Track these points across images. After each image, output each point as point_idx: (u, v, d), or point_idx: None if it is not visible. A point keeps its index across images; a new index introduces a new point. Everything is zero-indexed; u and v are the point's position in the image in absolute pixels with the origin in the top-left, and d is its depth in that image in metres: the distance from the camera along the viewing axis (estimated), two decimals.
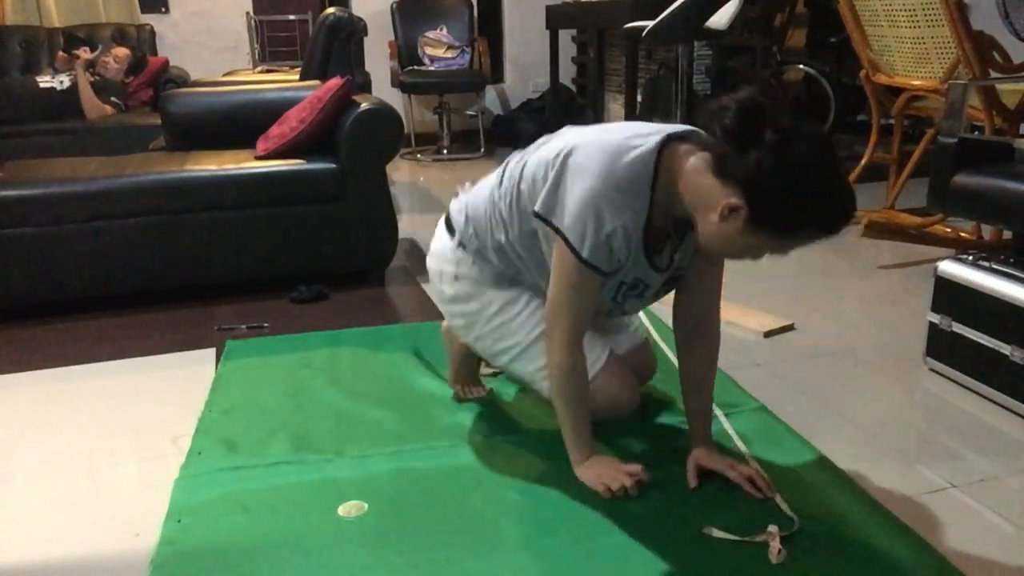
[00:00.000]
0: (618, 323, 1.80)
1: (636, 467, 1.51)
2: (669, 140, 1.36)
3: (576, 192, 1.35)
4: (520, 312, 1.63)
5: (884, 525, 1.39)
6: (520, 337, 1.62)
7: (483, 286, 1.63)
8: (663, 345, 2.15)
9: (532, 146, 1.54)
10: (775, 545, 1.32)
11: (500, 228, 1.56)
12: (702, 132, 1.33)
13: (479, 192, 1.63)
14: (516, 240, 1.55)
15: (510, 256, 1.60)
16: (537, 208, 1.41)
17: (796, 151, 1.22)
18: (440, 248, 1.69)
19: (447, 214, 1.70)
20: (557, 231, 1.38)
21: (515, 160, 1.56)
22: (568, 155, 1.38)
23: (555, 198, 1.38)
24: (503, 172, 1.57)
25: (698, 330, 1.55)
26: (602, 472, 1.51)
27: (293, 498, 1.50)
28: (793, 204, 1.23)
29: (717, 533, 1.37)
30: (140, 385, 2.04)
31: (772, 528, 1.36)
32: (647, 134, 1.39)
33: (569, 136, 1.45)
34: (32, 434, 1.81)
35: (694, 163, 1.31)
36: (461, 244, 1.64)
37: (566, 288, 1.41)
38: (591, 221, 1.33)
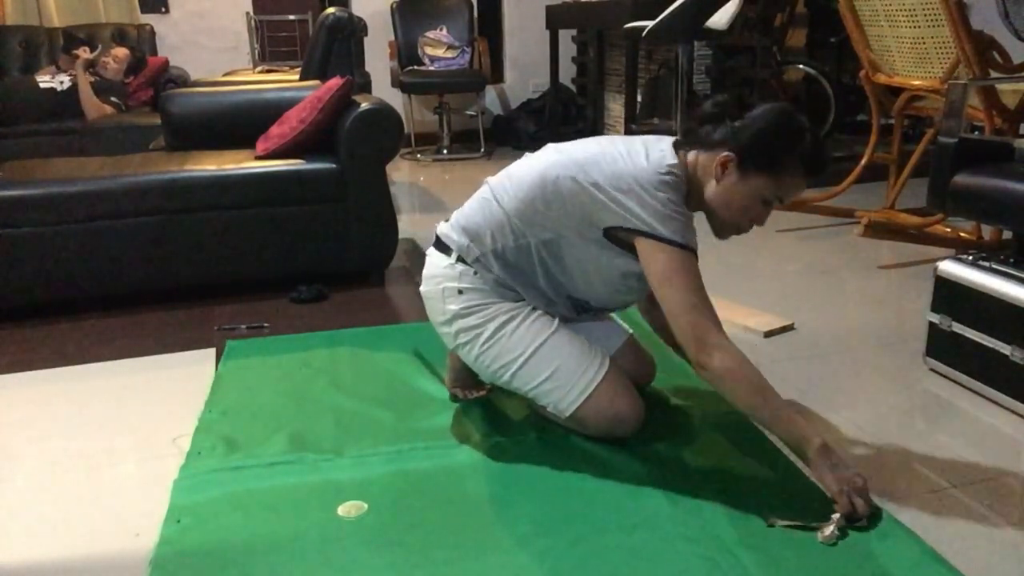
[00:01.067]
0: (602, 321, 1.83)
1: (866, 488, 1.42)
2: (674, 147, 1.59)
3: (656, 205, 1.50)
4: (520, 326, 1.63)
5: (884, 525, 1.38)
6: (521, 349, 1.62)
7: (488, 296, 1.64)
8: None
9: (524, 162, 1.64)
10: (831, 529, 1.34)
11: (508, 236, 1.60)
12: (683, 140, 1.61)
13: (470, 208, 1.68)
14: (535, 250, 1.60)
15: (511, 261, 1.62)
16: (642, 228, 1.50)
17: (759, 107, 1.53)
18: (436, 270, 1.69)
19: (436, 238, 1.71)
20: (660, 238, 1.49)
21: (508, 177, 1.64)
22: (610, 177, 1.53)
23: (640, 215, 1.50)
24: (501, 188, 1.63)
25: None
26: (855, 481, 1.40)
27: (293, 498, 1.50)
28: (769, 137, 1.50)
29: (781, 523, 1.38)
30: (140, 385, 2.04)
31: (837, 515, 1.37)
32: (660, 146, 1.59)
33: (572, 162, 1.57)
34: (32, 434, 1.81)
35: (691, 156, 1.58)
36: (460, 259, 1.65)
37: (687, 287, 1.48)
38: (681, 219, 1.51)
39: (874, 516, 1.40)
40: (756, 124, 1.51)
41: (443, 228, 1.70)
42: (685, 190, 1.55)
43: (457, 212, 1.72)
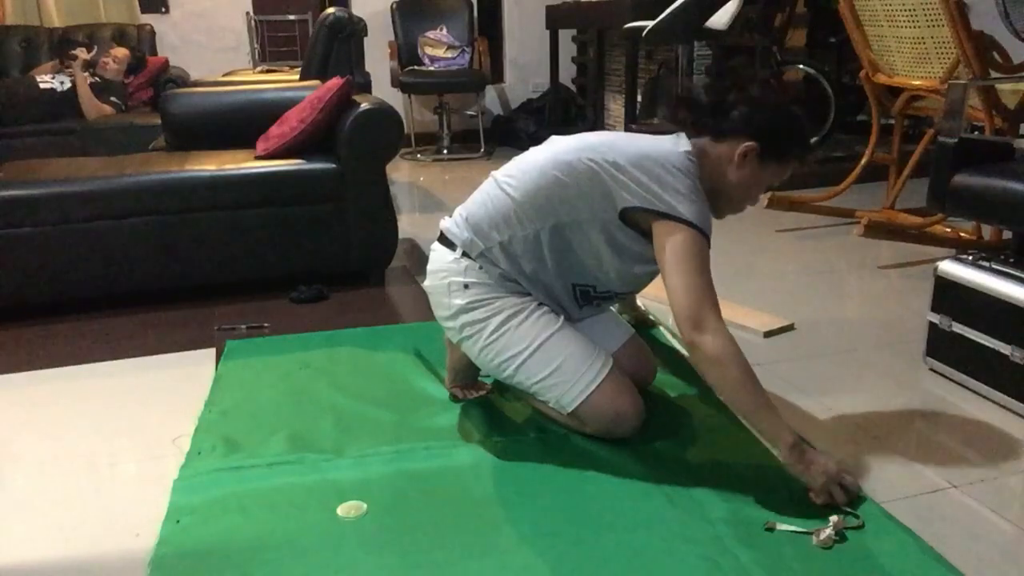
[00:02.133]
0: (604, 320, 1.84)
1: (851, 478, 1.46)
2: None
3: (677, 187, 1.53)
4: (525, 320, 1.63)
5: (884, 525, 1.39)
6: (526, 343, 1.63)
7: (493, 290, 1.65)
8: (670, 335, 2.16)
9: (530, 156, 1.65)
10: (828, 532, 1.34)
11: (515, 226, 1.61)
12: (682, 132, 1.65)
13: (474, 203, 1.69)
14: (545, 238, 1.61)
15: (518, 252, 1.63)
16: (661, 208, 1.52)
17: (763, 94, 1.61)
18: (441, 265, 1.70)
19: (440, 234, 1.72)
20: (679, 219, 1.51)
21: (515, 169, 1.65)
22: (632, 160, 1.56)
23: (661, 195, 1.53)
24: (506, 182, 1.64)
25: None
26: (828, 469, 1.44)
27: (292, 498, 1.50)
28: (788, 132, 1.61)
29: (782, 527, 1.38)
30: (140, 385, 2.04)
31: (835, 518, 1.37)
32: (669, 140, 1.63)
33: (583, 146, 1.61)
34: (32, 434, 1.81)
35: (698, 146, 1.62)
36: (465, 253, 1.66)
37: (698, 270, 1.50)
38: (700, 204, 1.54)
39: (858, 501, 1.43)
40: (776, 118, 1.60)
41: (447, 223, 1.71)
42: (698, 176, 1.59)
43: (461, 207, 1.72)
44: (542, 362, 1.62)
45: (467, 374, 1.88)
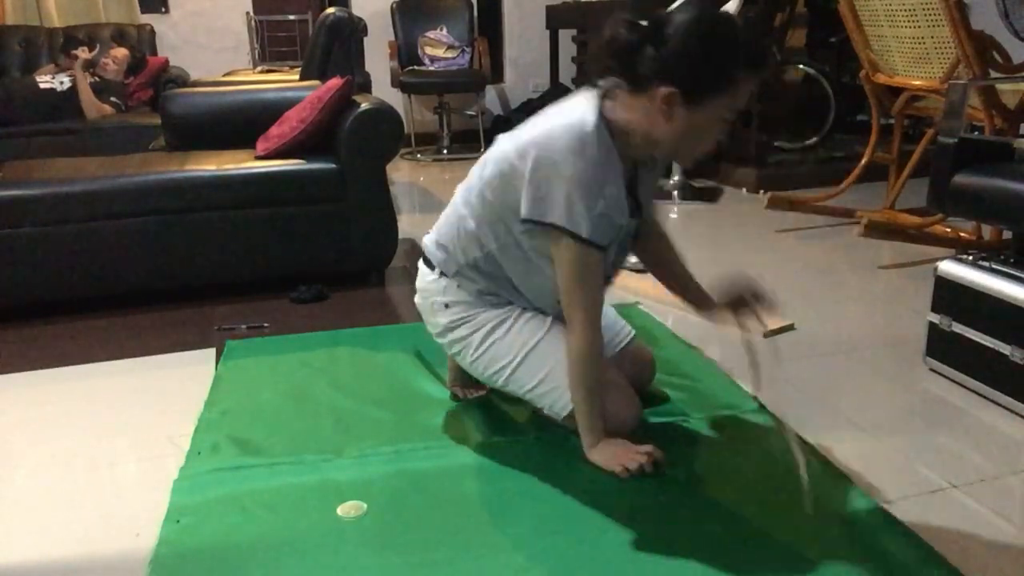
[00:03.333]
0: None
1: (649, 446, 1.56)
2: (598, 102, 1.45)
3: (558, 185, 1.41)
4: (509, 331, 1.63)
5: (884, 525, 1.39)
6: (512, 355, 1.63)
7: (473, 308, 1.65)
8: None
9: (477, 167, 1.59)
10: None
11: (475, 246, 1.59)
12: (598, 84, 1.46)
13: (446, 220, 1.67)
14: (497, 253, 1.57)
15: (486, 270, 1.62)
16: (525, 215, 1.45)
17: (673, 20, 1.34)
18: (424, 284, 1.71)
19: (423, 252, 1.72)
20: (552, 226, 1.43)
21: (467, 185, 1.61)
22: (533, 158, 1.42)
23: (540, 199, 1.43)
24: (463, 198, 1.62)
25: (659, 256, 1.77)
26: (617, 452, 1.55)
27: (292, 498, 1.50)
28: (707, 59, 1.34)
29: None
30: (140, 385, 2.04)
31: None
32: (579, 109, 1.44)
33: (510, 143, 1.49)
34: (32, 434, 1.81)
35: (620, 103, 1.43)
36: (442, 273, 1.66)
37: (576, 274, 1.46)
38: (581, 203, 1.40)
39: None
40: (687, 48, 1.33)
41: (426, 241, 1.72)
42: (614, 143, 1.43)
43: (436, 225, 1.72)
44: (530, 371, 1.62)
45: (467, 373, 1.88)
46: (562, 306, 1.52)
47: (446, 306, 1.66)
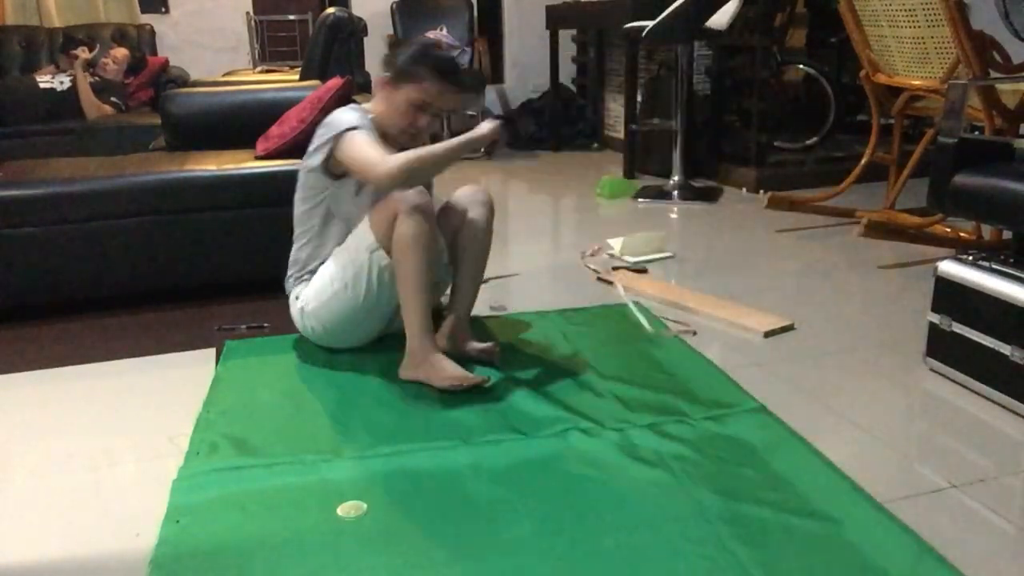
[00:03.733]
0: None
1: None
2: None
3: (334, 121, 1.99)
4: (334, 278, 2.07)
5: (884, 525, 1.39)
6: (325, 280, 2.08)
7: (322, 292, 2.07)
8: (643, 319, 2.16)
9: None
10: None
11: (312, 229, 2.15)
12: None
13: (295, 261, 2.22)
14: (323, 216, 2.11)
15: (320, 234, 2.13)
16: (314, 146, 2.01)
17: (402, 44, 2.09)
18: (292, 309, 2.17)
19: (287, 291, 2.20)
20: (338, 136, 1.93)
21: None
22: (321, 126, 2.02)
23: (326, 135, 1.98)
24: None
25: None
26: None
27: (292, 498, 1.50)
28: (403, 55, 1.98)
29: None
30: (140, 385, 2.04)
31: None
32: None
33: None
34: (32, 434, 1.81)
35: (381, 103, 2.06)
36: (292, 288, 2.17)
37: (365, 156, 1.88)
38: (351, 118, 1.97)
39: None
40: (399, 50, 2.01)
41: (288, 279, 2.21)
42: (376, 131, 1.97)
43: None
44: (326, 277, 2.08)
45: (454, 343, 2.09)
46: (376, 188, 1.93)
47: (303, 311, 2.12)
